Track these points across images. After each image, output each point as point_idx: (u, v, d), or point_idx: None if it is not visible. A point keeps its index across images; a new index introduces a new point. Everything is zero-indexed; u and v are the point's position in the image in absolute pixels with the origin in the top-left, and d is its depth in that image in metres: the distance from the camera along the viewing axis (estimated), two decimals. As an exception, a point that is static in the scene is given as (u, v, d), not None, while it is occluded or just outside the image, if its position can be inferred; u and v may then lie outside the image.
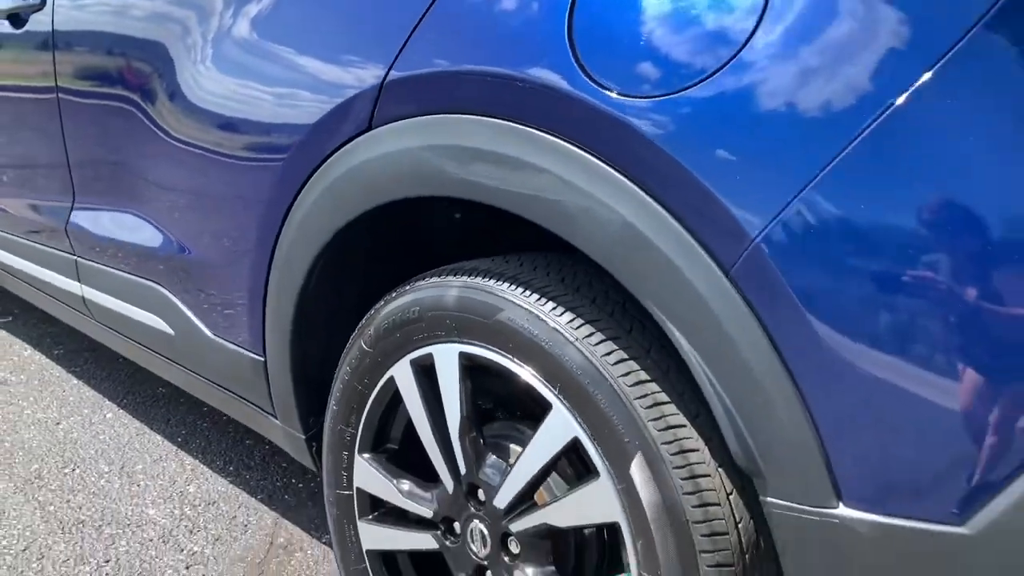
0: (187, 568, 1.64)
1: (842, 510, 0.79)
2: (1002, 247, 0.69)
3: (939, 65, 0.70)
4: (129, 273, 1.74)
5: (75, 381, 2.49)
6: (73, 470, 1.99)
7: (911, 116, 0.71)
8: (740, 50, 0.79)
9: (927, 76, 0.71)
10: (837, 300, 0.76)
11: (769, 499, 0.84)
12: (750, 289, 0.80)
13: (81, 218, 1.87)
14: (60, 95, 1.83)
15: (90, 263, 1.88)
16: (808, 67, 0.76)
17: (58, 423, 2.23)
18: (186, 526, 1.77)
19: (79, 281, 1.95)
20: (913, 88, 0.71)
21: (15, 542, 1.71)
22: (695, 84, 0.81)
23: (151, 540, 1.72)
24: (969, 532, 0.74)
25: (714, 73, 0.80)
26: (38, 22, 1.86)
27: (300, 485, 1.95)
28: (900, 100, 0.71)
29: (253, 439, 2.14)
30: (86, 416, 2.27)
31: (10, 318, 3.00)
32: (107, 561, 1.65)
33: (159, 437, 2.16)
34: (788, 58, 0.77)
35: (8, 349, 2.72)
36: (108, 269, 1.81)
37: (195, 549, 1.70)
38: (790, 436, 0.80)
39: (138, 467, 2.01)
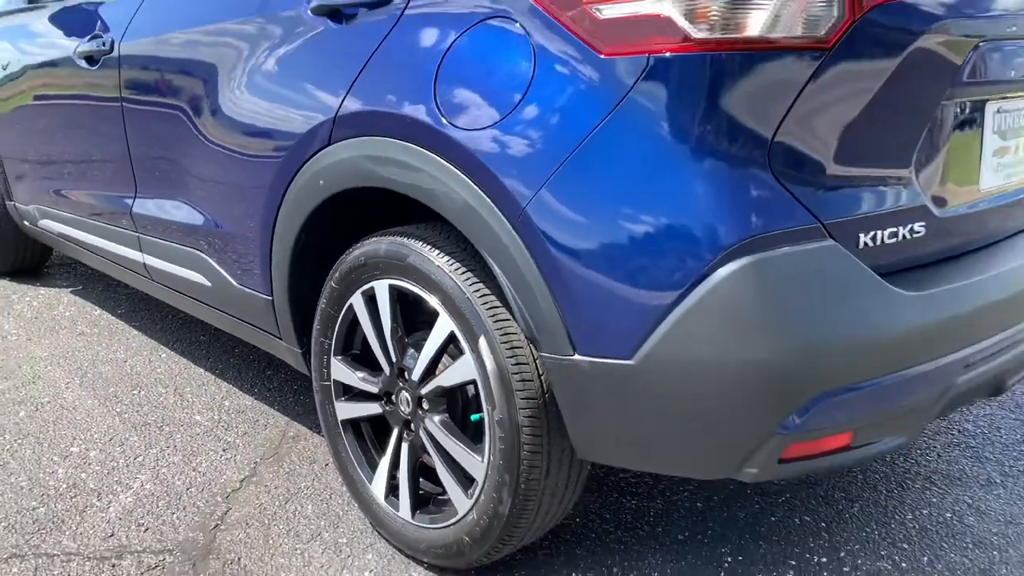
0: (223, 451, 2.32)
1: (575, 357, 1.44)
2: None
3: (610, 115, 1.34)
4: (178, 244, 2.41)
5: (136, 331, 3.19)
6: (139, 392, 2.68)
7: (591, 149, 1.36)
8: (513, 109, 1.43)
9: (605, 120, 1.35)
10: (562, 236, 1.40)
11: (542, 354, 1.49)
12: (522, 232, 1.44)
13: (142, 204, 2.54)
14: (124, 112, 2.50)
15: (149, 238, 2.55)
16: (547, 120, 1.40)
17: (125, 361, 2.92)
18: (222, 426, 2.46)
19: (141, 251, 2.63)
20: (593, 131, 1.35)
21: (102, 437, 2.40)
22: (493, 124, 1.46)
23: (198, 434, 2.41)
24: (634, 363, 1.38)
25: (502, 119, 1.45)
26: (108, 60, 2.52)
27: (305, 399, 2.62)
28: (585, 140, 1.36)
29: (272, 369, 2.82)
30: (146, 356, 2.96)
31: (80, 287, 3.71)
32: (168, 447, 2.34)
33: (201, 369, 2.85)
34: (536, 115, 1.42)
35: (82, 310, 3.43)
36: (162, 241, 2.49)
37: (229, 439, 2.38)
38: (546, 313, 1.44)
39: (187, 389, 2.70)
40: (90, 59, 2.59)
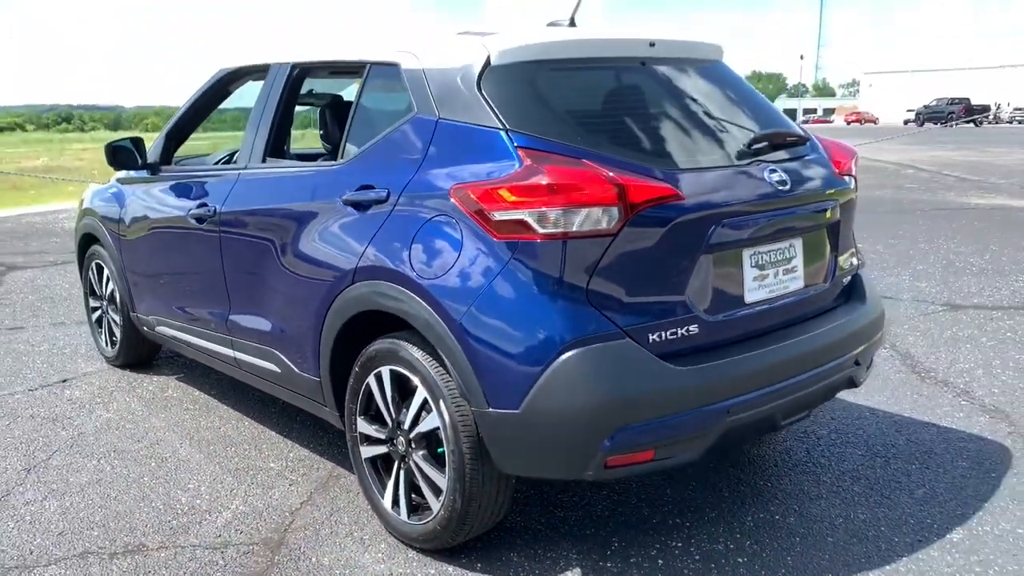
0: (289, 485, 3.39)
1: (489, 409, 2.49)
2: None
3: (501, 271, 2.44)
4: (258, 343, 3.54)
5: (226, 405, 4.33)
6: (231, 448, 3.79)
7: (492, 289, 2.45)
8: (451, 267, 2.55)
9: (499, 274, 2.44)
10: (479, 336, 2.48)
11: (472, 408, 2.54)
12: (457, 335, 2.51)
13: (234, 317, 3.69)
14: (223, 256, 3.66)
15: (238, 339, 3.69)
16: (469, 273, 2.50)
17: (219, 427, 4.05)
18: (288, 468, 3.55)
19: (232, 349, 3.77)
20: (493, 279, 2.45)
21: (208, 479, 3.50)
22: (440, 276, 2.57)
23: (272, 475, 3.50)
24: (520, 412, 2.43)
25: (445, 273, 2.56)
26: (211, 220, 3.70)
27: (343, 448, 3.70)
28: (489, 284, 2.46)
29: (322, 429, 3.91)
30: (234, 423, 4.09)
31: (183, 374, 4.89)
32: (252, 483, 3.42)
33: (273, 431, 3.96)
34: (463, 270, 2.52)
35: (186, 391, 4.60)
36: (247, 342, 3.62)
37: (293, 478, 3.46)
38: (472, 383, 2.50)
39: (263, 444, 3.81)
40: (199, 219, 3.78)
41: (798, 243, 2.91)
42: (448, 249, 2.57)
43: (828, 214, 3.00)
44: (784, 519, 3.01)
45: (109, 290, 4.80)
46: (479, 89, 2.65)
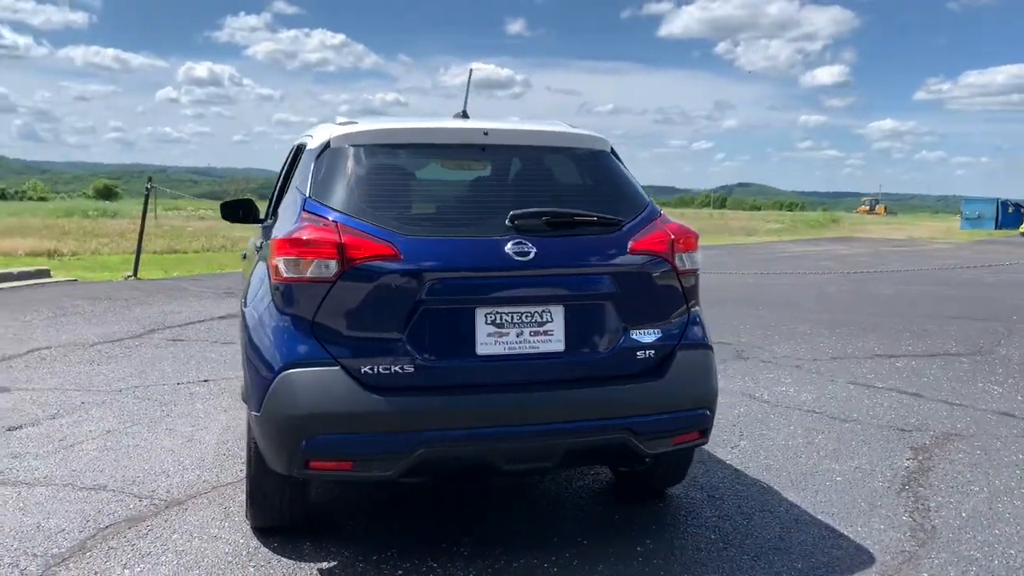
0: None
1: (251, 412, 3.21)
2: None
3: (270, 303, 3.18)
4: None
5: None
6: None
7: (265, 320, 3.21)
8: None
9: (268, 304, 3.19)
10: (247, 353, 3.23)
11: (251, 412, 3.27)
12: (243, 343, 3.29)
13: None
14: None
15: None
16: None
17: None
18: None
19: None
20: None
21: None
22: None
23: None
24: (259, 414, 3.12)
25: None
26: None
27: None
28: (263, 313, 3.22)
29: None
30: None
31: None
32: None
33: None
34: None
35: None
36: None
37: None
38: (247, 386, 3.23)
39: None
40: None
41: (558, 309, 3.17)
42: (260, 285, 3.34)
43: (600, 287, 3.21)
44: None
45: None
46: (313, 165, 3.40)
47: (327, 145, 3.42)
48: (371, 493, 4.02)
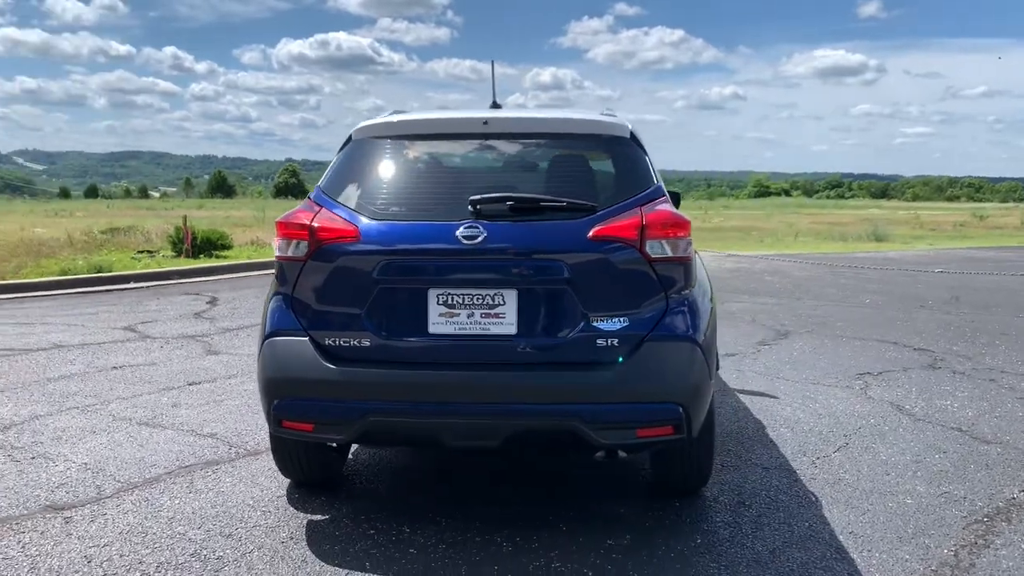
0: None
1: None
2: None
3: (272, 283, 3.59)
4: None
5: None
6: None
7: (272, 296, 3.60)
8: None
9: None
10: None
11: (264, 373, 3.69)
12: None
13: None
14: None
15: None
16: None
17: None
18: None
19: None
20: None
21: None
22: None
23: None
24: (257, 376, 3.53)
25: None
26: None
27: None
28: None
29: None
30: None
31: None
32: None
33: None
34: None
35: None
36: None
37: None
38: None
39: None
40: None
41: (511, 293, 3.19)
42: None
43: (556, 273, 3.17)
44: (501, 546, 3.28)
45: None
46: (336, 157, 3.75)
47: (348, 139, 3.74)
48: (417, 465, 4.30)
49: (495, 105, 4.09)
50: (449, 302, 3.23)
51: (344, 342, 3.28)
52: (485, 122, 3.58)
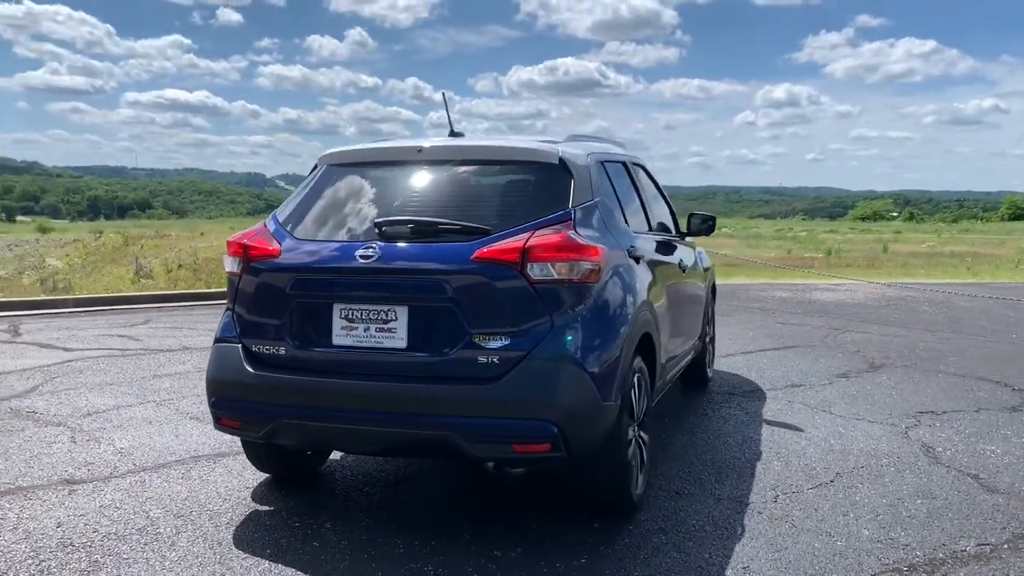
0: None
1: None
2: None
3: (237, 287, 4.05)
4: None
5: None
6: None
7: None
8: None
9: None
10: None
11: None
12: None
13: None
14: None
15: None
16: None
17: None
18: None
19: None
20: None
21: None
22: None
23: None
24: (216, 378, 3.97)
25: None
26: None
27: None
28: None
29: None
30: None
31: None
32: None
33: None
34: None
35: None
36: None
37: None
38: None
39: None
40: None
41: (402, 310, 3.41)
42: None
43: (442, 292, 3.35)
44: (394, 547, 3.50)
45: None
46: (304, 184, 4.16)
47: (315, 166, 4.14)
48: (395, 471, 4.59)
49: (453, 134, 4.33)
50: (350, 316, 3.51)
51: (266, 350, 3.65)
52: (419, 150, 3.85)
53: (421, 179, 3.86)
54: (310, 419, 3.52)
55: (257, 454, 4.20)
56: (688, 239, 6.10)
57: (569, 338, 3.37)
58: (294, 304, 3.61)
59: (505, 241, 3.40)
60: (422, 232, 3.51)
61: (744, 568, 3.32)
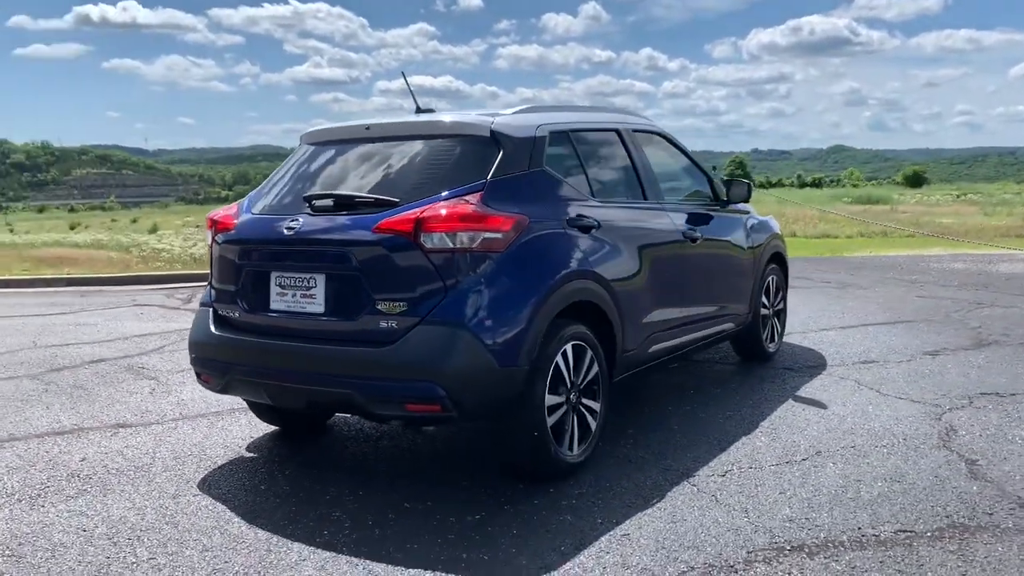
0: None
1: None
2: None
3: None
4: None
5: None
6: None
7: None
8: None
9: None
10: None
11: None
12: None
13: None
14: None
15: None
16: None
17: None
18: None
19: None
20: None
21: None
22: None
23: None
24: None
25: None
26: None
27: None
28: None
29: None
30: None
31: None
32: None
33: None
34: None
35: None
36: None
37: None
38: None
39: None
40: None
41: (320, 277, 3.70)
42: None
43: (349, 261, 3.60)
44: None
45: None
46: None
47: (300, 141, 4.55)
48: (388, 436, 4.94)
49: (419, 110, 4.54)
50: (282, 283, 3.88)
51: (227, 313, 4.11)
52: (367, 128, 4.12)
53: (364, 155, 4.13)
54: (253, 376, 3.94)
55: (257, 407, 4.69)
56: (740, 206, 5.96)
57: (462, 305, 3.52)
58: (244, 272, 4.03)
59: (404, 212, 3.59)
60: (343, 205, 3.79)
61: (624, 535, 3.33)
